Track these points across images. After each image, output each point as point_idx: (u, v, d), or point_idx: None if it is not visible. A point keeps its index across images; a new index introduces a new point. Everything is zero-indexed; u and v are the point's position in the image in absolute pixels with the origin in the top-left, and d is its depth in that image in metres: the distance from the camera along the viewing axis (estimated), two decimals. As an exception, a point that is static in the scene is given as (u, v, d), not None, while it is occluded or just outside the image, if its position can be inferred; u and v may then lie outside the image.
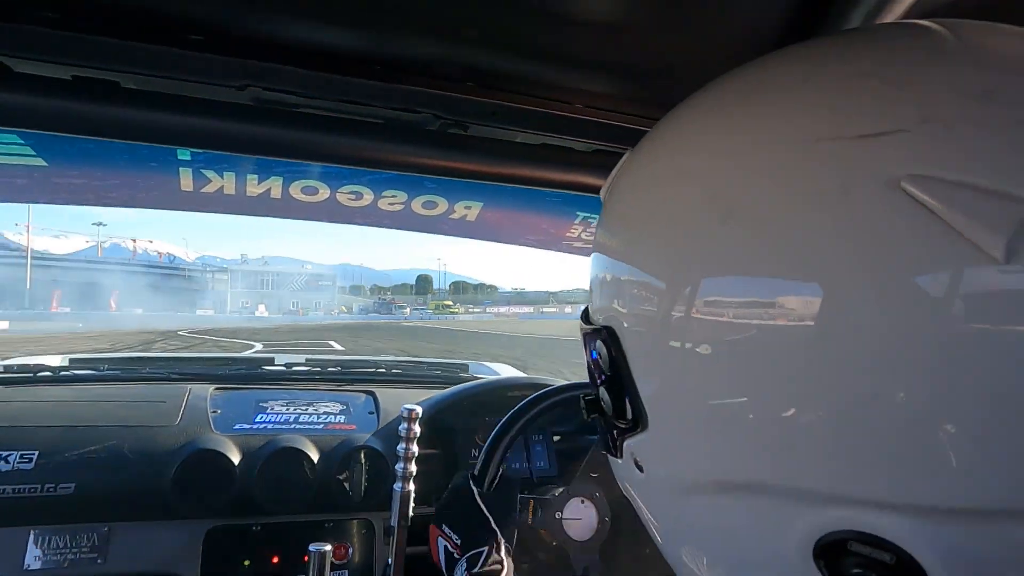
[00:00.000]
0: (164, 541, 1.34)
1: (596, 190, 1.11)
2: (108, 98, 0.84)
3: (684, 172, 0.49)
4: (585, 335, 0.57)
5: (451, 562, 1.04)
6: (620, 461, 0.56)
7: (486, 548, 1.01)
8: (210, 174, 1.20)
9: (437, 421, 1.53)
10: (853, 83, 0.43)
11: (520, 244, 1.67)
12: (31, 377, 1.58)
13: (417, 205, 1.35)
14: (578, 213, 1.42)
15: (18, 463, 1.28)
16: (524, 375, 1.90)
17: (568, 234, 1.52)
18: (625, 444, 0.53)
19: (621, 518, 1.44)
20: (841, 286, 0.38)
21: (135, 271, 65.12)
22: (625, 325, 0.51)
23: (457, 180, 1.09)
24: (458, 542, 1.03)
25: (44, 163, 1.11)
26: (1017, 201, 0.34)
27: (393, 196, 1.32)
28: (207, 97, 0.88)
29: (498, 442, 1.16)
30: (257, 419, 1.51)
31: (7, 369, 1.62)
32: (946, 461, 0.36)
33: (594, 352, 0.54)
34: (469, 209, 1.38)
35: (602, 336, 0.53)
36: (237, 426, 1.47)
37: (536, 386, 1.41)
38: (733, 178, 0.45)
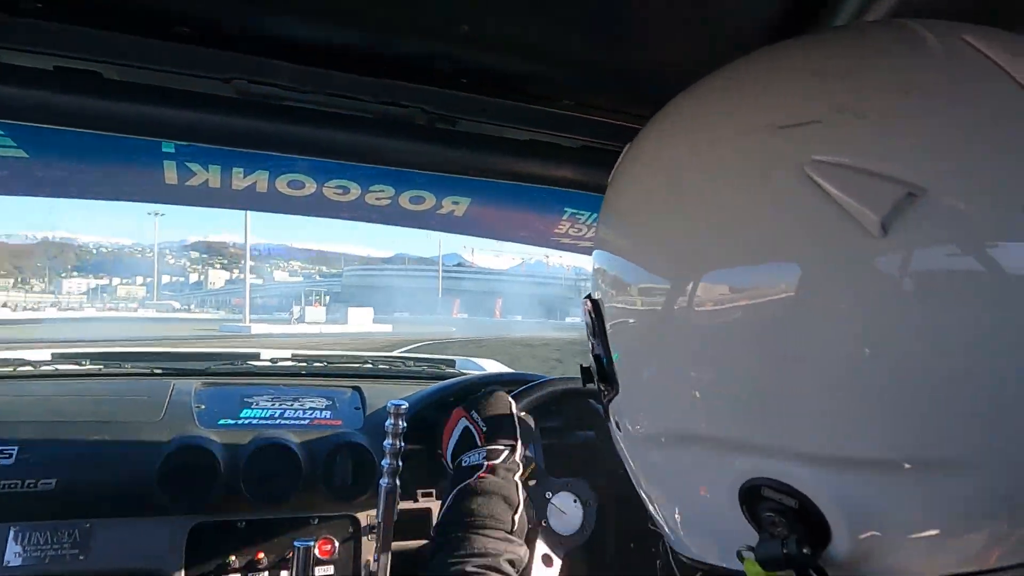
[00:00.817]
0: (148, 537, 1.33)
1: (584, 186, 1.12)
2: (91, 89, 0.83)
3: (654, 161, 0.55)
4: (583, 307, 0.63)
5: (466, 446, 1.05)
6: (611, 427, 0.63)
7: (507, 449, 1.02)
8: (195, 167, 1.19)
9: (423, 417, 1.53)
10: (789, 79, 0.49)
11: (509, 240, 1.67)
12: (11, 372, 1.56)
13: (404, 200, 1.34)
14: (566, 209, 1.42)
15: None
16: (510, 370, 1.90)
17: (556, 230, 1.52)
18: (610, 408, 0.61)
19: (606, 514, 1.45)
20: (757, 262, 0.44)
21: (526, 282, 68.44)
22: (603, 298, 0.58)
23: (445, 175, 1.09)
24: (484, 430, 1.05)
25: (26, 155, 1.09)
26: (896, 182, 0.38)
27: (380, 191, 1.31)
28: (192, 89, 0.87)
29: (551, 384, 1.19)
30: (242, 414, 1.50)
31: None
32: (839, 416, 0.41)
33: (585, 322, 0.62)
34: (457, 204, 1.38)
35: (588, 307, 0.60)
36: (222, 421, 1.46)
37: (522, 381, 1.41)
38: (688, 165, 0.51)
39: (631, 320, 0.54)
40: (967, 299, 0.38)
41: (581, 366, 0.65)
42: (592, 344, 0.61)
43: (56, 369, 1.64)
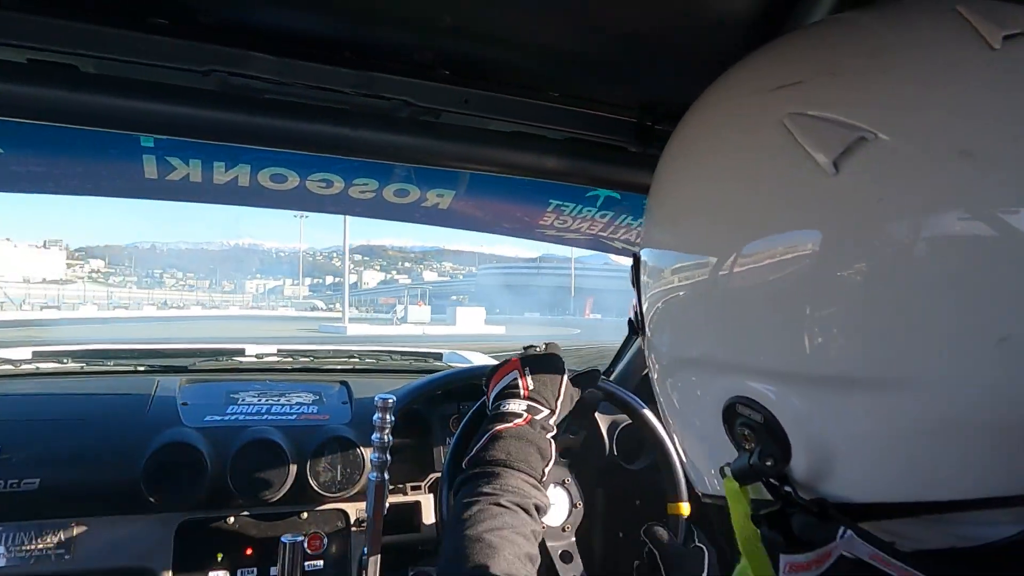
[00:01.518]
0: (135, 536, 1.32)
1: (569, 178, 1.12)
2: (66, 83, 0.81)
3: (682, 132, 0.63)
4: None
5: (508, 394, 1.06)
6: (650, 372, 0.69)
7: (548, 410, 1.04)
8: (175, 161, 1.17)
9: (411, 410, 1.52)
10: (788, 49, 0.56)
11: (494, 232, 1.66)
12: None
13: (388, 193, 1.34)
14: (551, 201, 1.42)
15: None
16: (496, 362, 1.90)
17: (541, 222, 1.52)
18: (646, 353, 0.68)
19: (594, 503, 1.46)
20: (740, 202, 0.51)
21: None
22: (641, 252, 0.66)
23: (429, 168, 1.08)
24: (530, 386, 1.06)
25: (1, 150, 1.07)
26: (850, 128, 0.45)
27: (364, 184, 1.30)
28: (171, 82, 0.86)
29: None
30: (228, 410, 1.49)
31: None
32: (794, 334, 0.47)
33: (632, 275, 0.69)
34: (441, 197, 1.37)
35: (633, 262, 0.68)
36: (208, 418, 1.45)
37: None
38: (701, 133, 0.59)
39: (650, 264, 0.63)
40: (907, 230, 0.43)
41: (629, 319, 0.72)
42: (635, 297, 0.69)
43: (37, 368, 1.61)
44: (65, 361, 1.68)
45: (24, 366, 1.61)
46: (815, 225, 0.46)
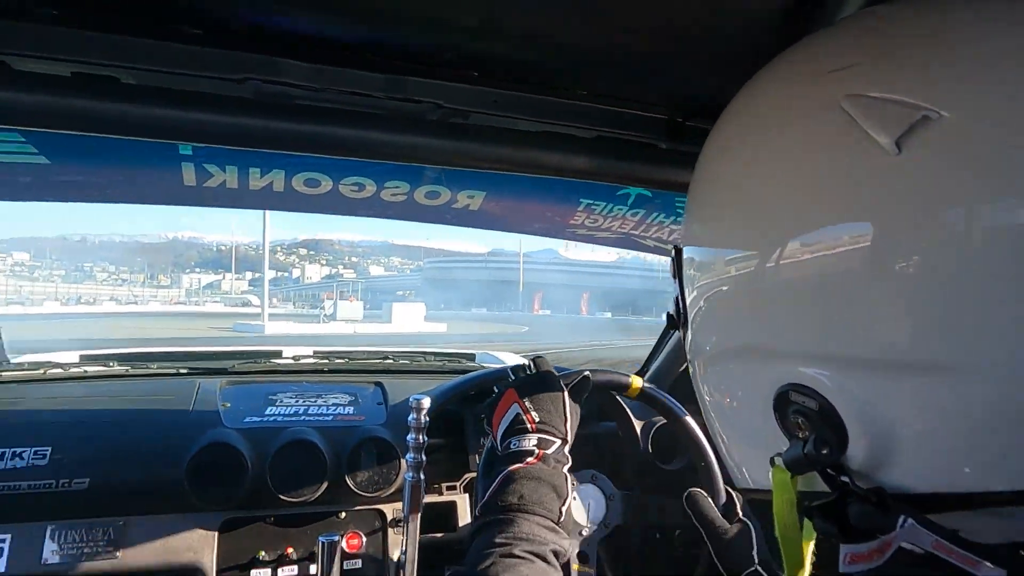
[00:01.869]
0: (180, 533, 1.36)
1: (599, 176, 1.11)
2: (108, 94, 0.84)
3: (727, 122, 0.62)
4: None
5: (516, 431, 1.00)
6: (690, 366, 0.69)
7: (559, 440, 0.98)
8: (212, 168, 1.20)
9: (445, 410, 1.53)
10: (841, 34, 0.56)
11: (525, 232, 1.66)
12: (41, 375, 1.59)
13: (420, 195, 1.35)
14: (581, 200, 1.42)
15: (32, 459, 1.29)
16: (524, 361, 1.90)
17: (572, 221, 1.51)
18: (687, 349, 0.68)
19: (630, 507, 1.45)
20: (796, 192, 0.50)
21: (618, 276, 64.89)
22: (682, 242, 0.67)
23: (459, 169, 1.09)
24: (536, 419, 1.00)
25: (46, 160, 1.11)
26: (912, 107, 0.43)
27: (396, 187, 1.31)
28: (207, 91, 0.88)
29: (591, 374, 1.16)
30: (267, 412, 1.52)
31: (19, 367, 1.63)
32: (849, 319, 0.46)
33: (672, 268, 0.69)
34: (472, 198, 1.38)
35: (673, 255, 0.68)
36: (247, 419, 1.49)
37: None
38: (750, 122, 0.59)
39: (697, 257, 0.63)
40: (972, 208, 0.42)
41: (667, 313, 0.72)
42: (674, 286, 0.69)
43: (85, 371, 1.67)
44: (111, 364, 1.73)
45: (72, 369, 1.66)
46: (877, 206, 0.45)
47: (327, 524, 1.43)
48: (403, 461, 1.40)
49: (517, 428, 1.00)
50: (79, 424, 1.39)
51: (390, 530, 1.48)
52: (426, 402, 1.16)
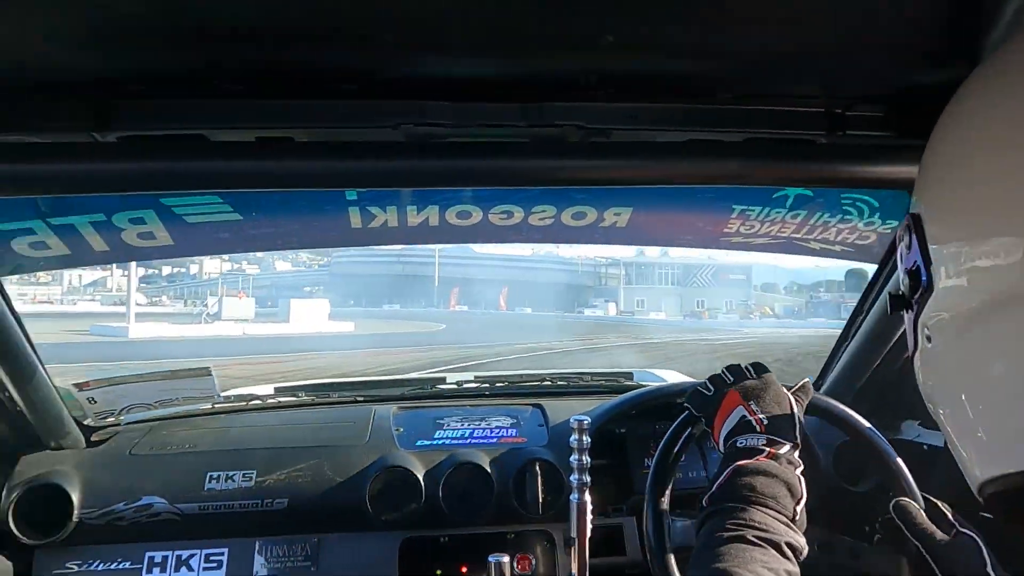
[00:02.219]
0: (365, 551, 1.46)
1: (752, 180, 1.06)
2: (285, 153, 0.94)
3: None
4: (897, 234, 0.62)
5: (743, 431, 0.96)
6: (917, 355, 0.60)
7: (790, 444, 0.93)
8: (375, 210, 1.30)
9: (607, 431, 1.52)
10: None
11: (675, 245, 1.62)
12: (244, 407, 1.80)
13: (567, 217, 1.36)
14: (734, 207, 1.35)
15: (241, 481, 1.46)
16: (691, 379, 1.84)
17: (726, 229, 1.45)
18: (919, 327, 0.59)
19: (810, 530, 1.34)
20: None
21: (539, 270, 61.94)
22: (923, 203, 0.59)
23: (605, 188, 1.09)
24: (764, 421, 0.96)
25: (239, 217, 1.26)
26: None
27: (543, 211, 1.34)
28: (366, 140, 0.96)
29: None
30: (436, 435, 1.60)
31: (227, 400, 1.85)
32: None
33: (900, 246, 0.61)
34: (619, 215, 1.37)
35: (908, 222, 0.59)
36: (419, 442, 1.57)
37: None
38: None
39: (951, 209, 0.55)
40: None
41: (890, 294, 0.65)
42: (906, 261, 0.60)
43: (279, 402, 1.86)
44: (300, 395, 1.92)
45: (269, 400, 1.86)
46: None
47: (497, 544, 1.47)
48: (568, 482, 1.40)
49: (744, 429, 0.96)
50: (276, 449, 1.55)
51: (559, 552, 1.48)
52: (587, 422, 1.15)
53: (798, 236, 1.45)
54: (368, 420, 1.65)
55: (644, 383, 1.92)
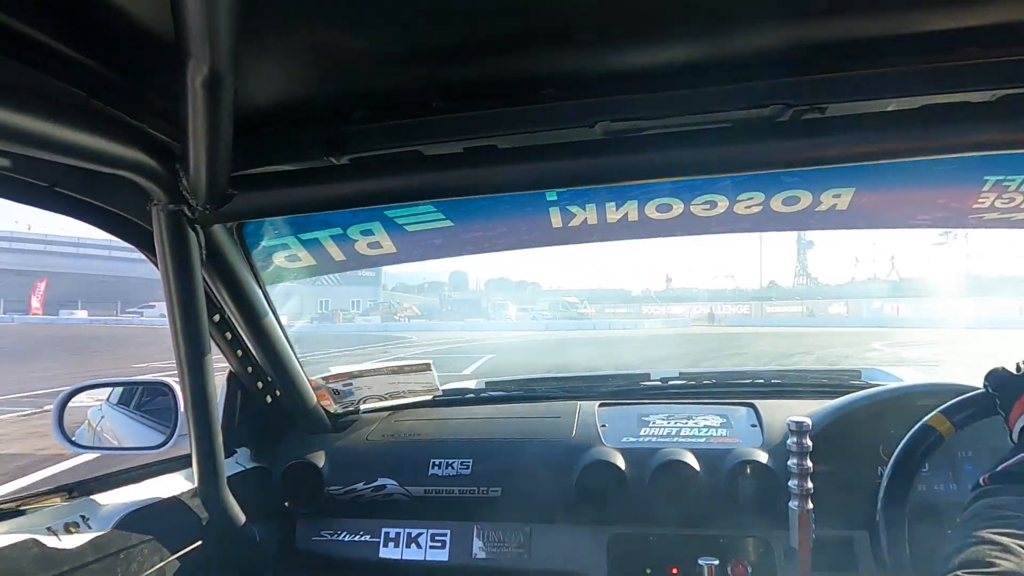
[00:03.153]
0: (573, 544, 1.49)
1: (1005, 146, 0.89)
2: (490, 160, 1.00)
3: None
4: None
5: None
6: None
7: None
8: (574, 209, 1.33)
9: (830, 434, 1.39)
10: None
11: (910, 226, 1.43)
12: (460, 398, 1.93)
13: (777, 203, 1.27)
14: (986, 178, 1.16)
15: (459, 469, 1.57)
16: (935, 380, 1.60)
17: (976, 205, 1.25)
18: None
19: None
20: None
21: None
22: None
23: (819, 168, 1.00)
24: None
25: (451, 223, 1.37)
26: None
27: (749, 199, 1.26)
28: (564, 140, 0.98)
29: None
30: (642, 432, 1.58)
31: (446, 393, 2.00)
32: None
33: None
34: (839, 197, 1.24)
35: None
36: (625, 439, 1.57)
37: (956, 391, 1.18)
38: None
39: None
40: None
41: None
42: None
43: (491, 395, 1.97)
44: (510, 389, 2.01)
45: (482, 394, 1.98)
46: None
47: (708, 547, 1.41)
48: (785, 488, 1.31)
49: None
50: (489, 440, 1.64)
51: (777, 561, 1.39)
52: (807, 425, 1.07)
53: None
54: (574, 415, 1.68)
55: (875, 383, 1.72)
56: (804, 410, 1.47)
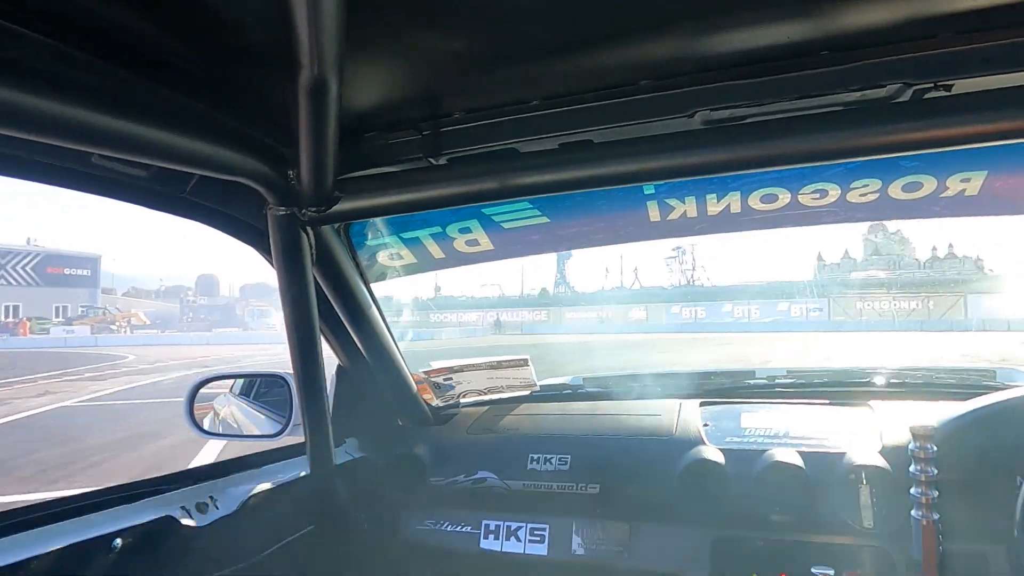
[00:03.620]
0: (675, 544, 1.46)
1: None
2: (585, 156, 0.99)
3: None
4: None
5: None
6: None
7: None
8: (673, 202, 1.30)
9: (959, 440, 1.28)
10: None
11: None
12: (558, 394, 1.93)
13: (896, 190, 1.18)
14: None
15: (558, 464, 1.57)
16: None
17: None
18: None
19: None
20: None
21: None
22: None
23: (945, 151, 0.92)
24: None
25: (548, 219, 1.37)
26: None
27: (864, 186, 1.19)
28: (661, 132, 0.96)
29: None
30: (746, 432, 1.52)
31: (544, 388, 2.01)
32: None
33: None
34: (968, 182, 1.14)
35: None
36: (728, 439, 1.51)
37: None
38: None
39: None
40: None
41: None
42: None
43: (588, 391, 1.96)
44: (609, 386, 1.99)
45: (579, 391, 1.97)
46: None
47: (820, 554, 1.34)
48: (906, 496, 1.21)
49: None
50: (587, 437, 1.63)
51: (898, 575, 1.29)
52: (932, 429, 0.99)
53: None
54: (675, 413, 1.64)
55: (1012, 383, 1.57)
56: (928, 412, 1.36)
